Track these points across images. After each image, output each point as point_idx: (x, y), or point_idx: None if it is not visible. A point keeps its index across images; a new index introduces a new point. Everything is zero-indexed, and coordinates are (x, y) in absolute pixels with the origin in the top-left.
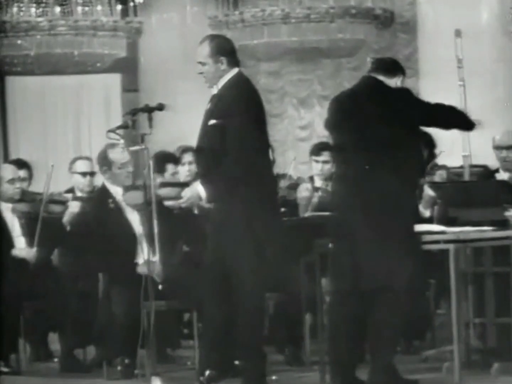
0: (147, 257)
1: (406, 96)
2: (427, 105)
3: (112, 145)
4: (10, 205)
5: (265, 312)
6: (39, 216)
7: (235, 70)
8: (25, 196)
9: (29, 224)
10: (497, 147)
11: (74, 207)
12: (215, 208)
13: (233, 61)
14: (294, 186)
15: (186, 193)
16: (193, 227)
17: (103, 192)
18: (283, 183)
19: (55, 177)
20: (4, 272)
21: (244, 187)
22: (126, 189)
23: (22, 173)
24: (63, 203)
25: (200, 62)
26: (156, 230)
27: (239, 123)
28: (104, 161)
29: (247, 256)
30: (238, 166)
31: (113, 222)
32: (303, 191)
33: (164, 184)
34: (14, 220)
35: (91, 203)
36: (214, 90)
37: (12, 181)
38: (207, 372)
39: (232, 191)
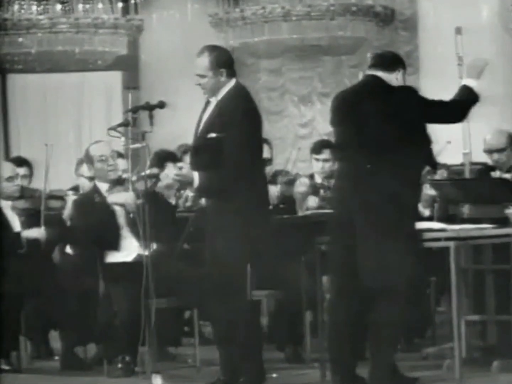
0: (139, 251)
1: (409, 95)
2: (431, 102)
3: (96, 142)
4: (10, 203)
5: (257, 311)
6: (42, 200)
7: (233, 81)
8: (25, 192)
9: (29, 221)
10: (488, 151)
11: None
12: (211, 210)
13: (232, 72)
14: (292, 181)
15: (183, 170)
16: (195, 225)
17: (93, 190)
18: (281, 179)
19: (56, 175)
20: (5, 270)
21: (240, 194)
22: (111, 186)
23: (23, 170)
24: (62, 198)
25: (199, 75)
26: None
27: (239, 135)
28: (87, 158)
29: (240, 255)
30: (235, 175)
31: (98, 216)
32: (300, 186)
33: (150, 176)
34: (15, 217)
35: (82, 200)
36: (212, 100)
37: (10, 179)
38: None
39: (227, 200)
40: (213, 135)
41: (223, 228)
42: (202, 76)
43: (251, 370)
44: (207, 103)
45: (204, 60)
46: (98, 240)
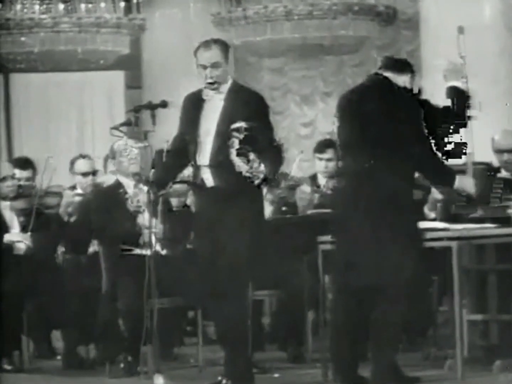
0: (153, 250)
1: (414, 95)
2: (434, 107)
3: (119, 137)
4: (8, 203)
5: (247, 310)
6: (34, 205)
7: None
8: (23, 191)
9: (28, 221)
10: (498, 151)
11: (68, 196)
12: (220, 209)
13: None
14: (294, 187)
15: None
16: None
17: (116, 184)
18: (284, 183)
19: (58, 174)
20: (6, 269)
21: (252, 192)
22: (136, 184)
23: (26, 173)
24: (60, 194)
25: (214, 64)
26: (161, 225)
27: (267, 123)
28: (111, 152)
29: (245, 254)
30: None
31: (120, 211)
32: (301, 194)
33: (174, 182)
34: (13, 217)
35: (98, 193)
36: (213, 96)
37: (5, 179)
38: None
39: (243, 197)
40: (240, 124)
41: (230, 226)
42: (217, 66)
43: (238, 372)
44: (201, 101)
45: (216, 49)
46: (120, 232)
